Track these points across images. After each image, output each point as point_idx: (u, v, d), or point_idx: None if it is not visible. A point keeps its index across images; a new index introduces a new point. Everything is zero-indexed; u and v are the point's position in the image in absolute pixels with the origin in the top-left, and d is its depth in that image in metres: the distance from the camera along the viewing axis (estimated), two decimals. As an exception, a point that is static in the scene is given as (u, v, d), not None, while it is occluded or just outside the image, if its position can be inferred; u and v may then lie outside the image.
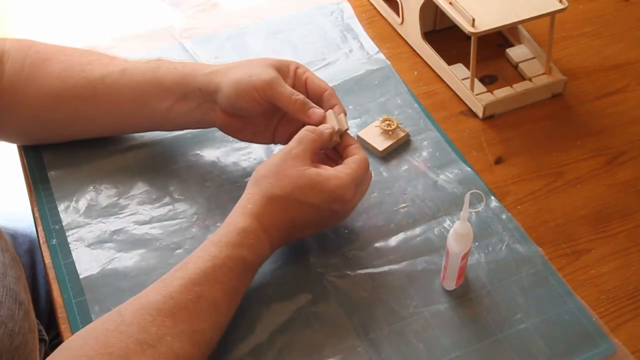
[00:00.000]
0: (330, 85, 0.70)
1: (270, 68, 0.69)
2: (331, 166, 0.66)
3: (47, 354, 0.78)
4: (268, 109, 0.69)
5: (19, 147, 0.80)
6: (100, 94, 0.72)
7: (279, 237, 0.63)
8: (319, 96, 0.70)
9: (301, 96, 0.68)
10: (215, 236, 0.61)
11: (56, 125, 0.76)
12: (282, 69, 0.70)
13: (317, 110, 0.68)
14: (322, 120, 0.68)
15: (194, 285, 0.57)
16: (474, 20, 0.78)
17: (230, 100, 0.69)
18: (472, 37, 0.80)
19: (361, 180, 0.65)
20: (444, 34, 0.94)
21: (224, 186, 0.75)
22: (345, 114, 0.69)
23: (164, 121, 0.74)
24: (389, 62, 0.90)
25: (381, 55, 0.91)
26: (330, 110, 0.69)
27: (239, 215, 0.62)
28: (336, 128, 0.67)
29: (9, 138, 0.79)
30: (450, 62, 0.88)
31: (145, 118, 0.74)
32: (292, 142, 0.65)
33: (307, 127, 0.66)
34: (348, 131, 0.69)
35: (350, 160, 0.66)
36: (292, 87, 0.69)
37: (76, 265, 0.68)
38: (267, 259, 0.64)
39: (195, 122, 0.74)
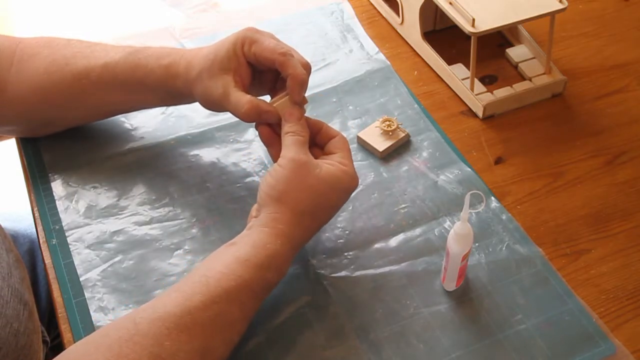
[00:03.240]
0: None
1: (221, 77, 0.67)
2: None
3: (48, 356, 0.78)
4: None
5: (19, 147, 0.80)
6: (87, 88, 0.73)
7: (303, 246, 0.65)
8: (272, 63, 0.66)
9: (245, 108, 0.66)
10: (241, 254, 0.59)
11: (48, 118, 0.77)
12: (232, 66, 0.67)
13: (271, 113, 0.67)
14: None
15: (213, 303, 0.56)
16: (474, 20, 0.78)
17: (202, 104, 0.71)
18: (472, 37, 0.79)
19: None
20: (444, 34, 0.94)
21: (224, 187, 0.75)
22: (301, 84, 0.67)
23: (157, 106, 0.79)
24: (389, 63, 0.90)
25: (381, 56, 0.91)
26: (286, 98, 0.67)
27: (269, 236, 0.60)
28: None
29: (4, 132, 0.80)
30: (450, 62, 0.88)
31: (138, 106, 0.78)
32: (291, 149, 0.63)
33: (289, 129, 0.65)
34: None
35: (337, 144, 0.67)
36: (244, 67, 0.68)
37: (76, 265, 0.68)
38: None
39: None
